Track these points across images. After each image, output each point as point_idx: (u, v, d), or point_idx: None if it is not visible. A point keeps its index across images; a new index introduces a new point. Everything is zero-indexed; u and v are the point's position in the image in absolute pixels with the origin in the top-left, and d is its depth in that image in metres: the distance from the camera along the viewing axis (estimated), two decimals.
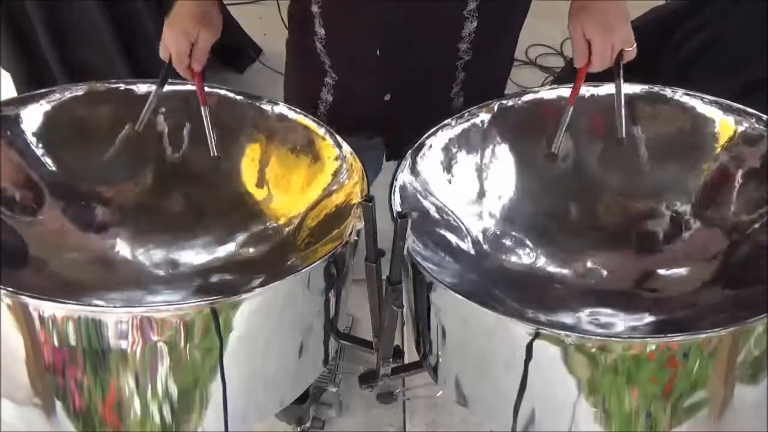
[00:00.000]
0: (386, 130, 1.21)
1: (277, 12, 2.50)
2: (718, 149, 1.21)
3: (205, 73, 1.24)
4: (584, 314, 1.15)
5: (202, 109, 1.23)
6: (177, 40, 1.18)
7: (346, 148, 1.22)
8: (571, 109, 1.14)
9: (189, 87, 1.31)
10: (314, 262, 1.02)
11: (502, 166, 1.28)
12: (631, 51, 1.13)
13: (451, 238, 1.20)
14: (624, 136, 1.11)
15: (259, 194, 1.29)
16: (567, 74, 2.74)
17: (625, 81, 1.28)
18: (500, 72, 1.41)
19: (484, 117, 1.28)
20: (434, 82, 1.29)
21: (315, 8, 1.22)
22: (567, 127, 1.21)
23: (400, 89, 1.29)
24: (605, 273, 1.22)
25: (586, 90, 1.28)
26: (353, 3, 1.20)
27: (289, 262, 1.18)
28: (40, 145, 1.23)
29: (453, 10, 1.18)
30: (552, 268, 1.23)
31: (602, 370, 0.93)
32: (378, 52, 1.24)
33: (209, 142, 1.24)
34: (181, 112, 1.31)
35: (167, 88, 1.31)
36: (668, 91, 1.25)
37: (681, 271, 1.18)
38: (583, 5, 1.12)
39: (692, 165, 1.23)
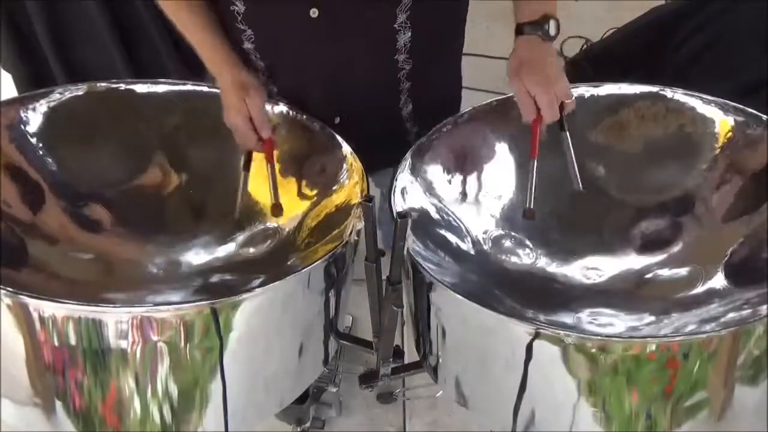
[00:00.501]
0: None
1: None
2: (718, 149, 1.21)
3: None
4: (584, 314, 1.15)
5: (268, 167, 1.21)
6: (235, 120, 1.18)
7: (346, 148, 1.22)
8: (536, 162, 1.12)
9: (189, 87, 1.31)
10: (314, 262, 1.02)
11: (502, 166, 1.28)
12: (571, 103, 1.14)
13: (451, 238, 1.20)
14: (581, 187, 1.12)
15: (259, 194, 1.29)
16: (567, 74, 2.74)
17: (626, 81, 1.29)
18: (449, 76, 1.40)
19: (484, 116, 1.28)
20: (380, 96, 1.29)
21: (248, 45, 1.22)
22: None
23: (348, 110, 1.29)
24: (605, 273, 1.22)
25: (586, 90, 1.28)
26: (283, 36, 1.20)
27: (289, 262, 1.18)
28: (41, 145, 1.23)
29: (384, 24, 1.18)
30: (552, 268, 1.23)
31: (602, 370, 0.93)
32: (316, 78, 1.24)
33: (271, 193, 1.21)
34: (181, 112, 1.31)
35: (166, 88, 1.31)
36: (668, 91, 1.25)
37: (681, 271, 1.18)
38: (521, 63, 1.13)
39: (692, 165, 1.23)
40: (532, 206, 1.10)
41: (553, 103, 1.11)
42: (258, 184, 1.28)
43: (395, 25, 1.17)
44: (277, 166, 1.28)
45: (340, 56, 1.20)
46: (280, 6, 1.15)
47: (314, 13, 1.13)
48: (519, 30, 1.14)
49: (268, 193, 1.29)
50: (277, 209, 1.21)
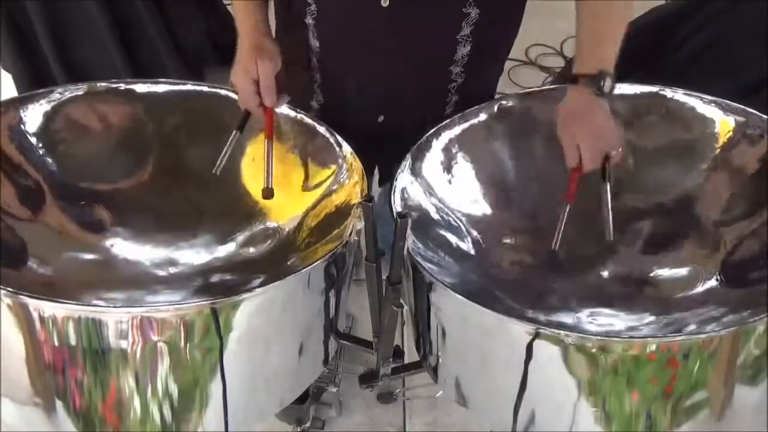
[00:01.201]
0: (378, 151, 1.22)
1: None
2: (718, 149, 1.21)
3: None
4: (584, 314, 1.15)
5: (266, 143, 1.17)
6: (240, 79, 1.16)
7: (346, 147, 1.22)
8: (568, 206, 1.12)
9: (189, 87, 1.31)
10: (314, 262, 1.02)
11: (502, 167, 1.28)
12: (617, 155, 1.13)
13: (451, 238, 1.20)
14: (612, 238, 1.11)
15: (259, 194, 1.29)
16: (567, 74, 2.74)
17: (626, 81, 1.29)
18: (491, 89, 1.40)
19: (484, 117, 1.28)
20: (427, 104, 1.29)
21: (309, 20, 1.21)
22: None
23: (392, 111, 1.29)
24: (605, 273, 1.22)
25: None
26: (347, 18, 1.19)
27: (289, 262, 1.18)
28: (40, 145, 1.23)
29: (448, 32, 1.18)
30: (552, 268, 1.23)
31: (602, 370, 0.93)
32: (372, 71, 1.23)
33: (266, 175, 1.16)
34: (181, 112, 1.31)
35: (166, 88, 1.31)
36: (668, 91, 1.25)
37: (681, 271, 1.18)
38: (571, 111, 1.12)
39: (692, 165, 1.23)
40: (557, 247, 1.11)
41: (597, 155, 1.11)
42: (258, 183, 1.28)
43: (458, 37, 1.18)
44: (277, 166, 1.29)
45: (397, 55, 1.20)
46: None
47: (385, 2, 1.13)
48: (574, 79, 1.12)
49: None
50: (268, 192, 1.15)
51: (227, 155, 1.18)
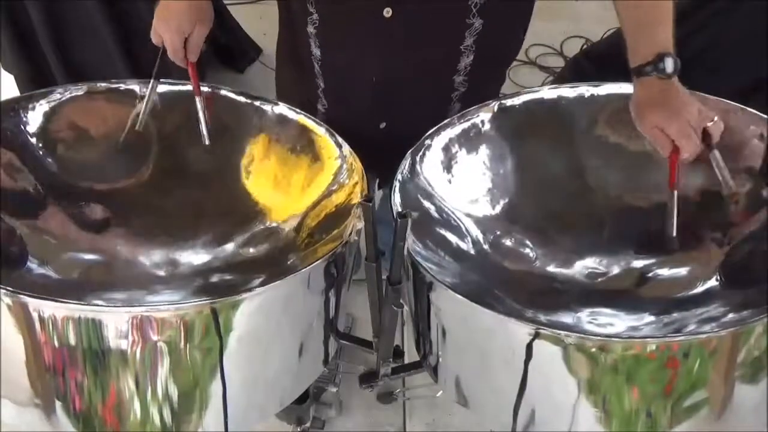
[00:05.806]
0: (379, 156, 1.22)
1: (277, 12, 2.49)
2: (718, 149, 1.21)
3: (200, 66, 1.26)
4: (584, 314, 1.15)
5: (197, 99, 1.24)
6: (172, 37, 1.18)
7: (346, 148, 1.22)
8: (675, 193, 1.10)
9: (190, 87, 1.31)
10: (314, 262, 1.02)
11: (502, 166, 1.28)
12: (714, 125, 1.08)
13: (451, 238, 1.20)
14: (733, 188, 1.10)
15: (259, 194, 1.29)
16: (566, 74, 2.74)
17: (626, 80, 1.28)
18: (492, 97, 1.38)
19: (484, 117, 1.28)
20: (429, 111, 1.29)
21: (311, 28, 1.21)
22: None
23: (394, 118, 1.29)
24: (605, 273, 1.22)
25: (586, 90, 1.28)
26: (349, 28, 1.19)
27: (289, 262, 1.18)
28: (40, 145, 1.23)
29: (451, 43, 1.18)
30: (552, 268, 1.23)
31: (602, 370, 0.93)
32: (374, 79, 1.23)
33: (202, 131, 1.25)
34: (181, 111, 1.31)
35: (167, 88, 1.31)
36: None
37: (681, 271, 1.18)
38: (642, 103, 1.10)
39: (692, 165, 1.23)
40: (674, 234, 1.10)
41: (687, 132, 1.06)
42: (258, 184, 1.28)
43: (461, 47, 1.18)
44: (276, 166, 1.29)
45: (401, 63, 1.20)
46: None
47: (387, 12, 1.12)
48: (634, 73, 1.10)
49: (268, 192, 1.29)
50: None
51: (148, 107, 1.24)
